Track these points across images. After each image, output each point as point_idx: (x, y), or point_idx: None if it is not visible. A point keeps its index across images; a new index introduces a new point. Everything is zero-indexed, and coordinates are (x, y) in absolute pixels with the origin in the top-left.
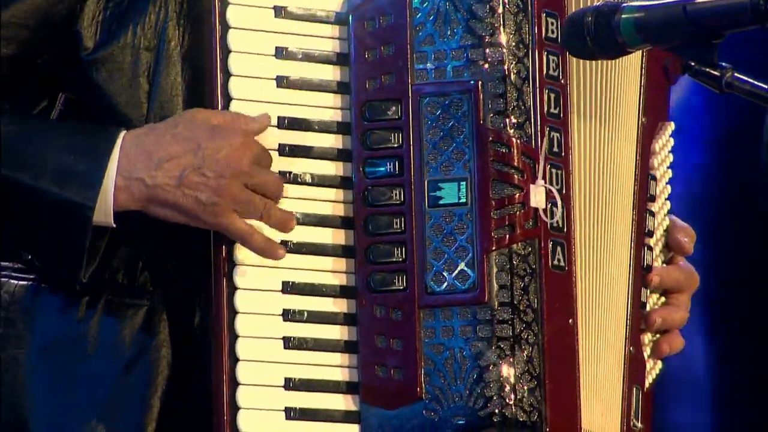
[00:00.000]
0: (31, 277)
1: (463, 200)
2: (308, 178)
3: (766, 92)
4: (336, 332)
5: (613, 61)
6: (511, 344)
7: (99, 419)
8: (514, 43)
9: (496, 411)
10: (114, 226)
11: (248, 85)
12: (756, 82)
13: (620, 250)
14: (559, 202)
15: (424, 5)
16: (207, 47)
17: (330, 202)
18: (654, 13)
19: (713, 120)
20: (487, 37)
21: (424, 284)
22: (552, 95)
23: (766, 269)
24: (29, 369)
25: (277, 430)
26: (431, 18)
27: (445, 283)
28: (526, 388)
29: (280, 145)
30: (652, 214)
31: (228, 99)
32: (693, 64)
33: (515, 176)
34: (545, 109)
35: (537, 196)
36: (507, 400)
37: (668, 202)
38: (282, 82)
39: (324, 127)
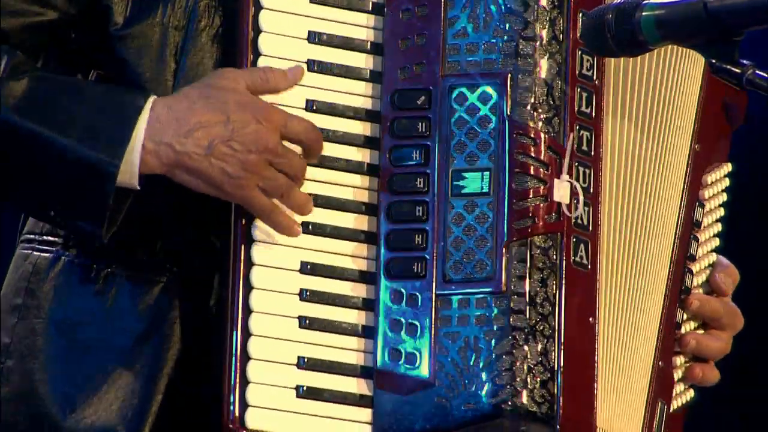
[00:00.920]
0: (53, 249)
1: (486, 190)
2: (333, 163)
3: None
4: (353, 316)
5: (670, 80)
6: (525, 335)
7: (107, 391)
8: (547, 39)
9: (507, 400)
10: (138, 188)
11: (277, 66)
12: None
13: (657, 264)
14: (581, 199)
15: None
16: (239, 26)
17: (354, 187)
18: (675, 10)
19: None
20: (520, 31)
21: (443, 272)
22: (584, 94)
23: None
24: (45, 339)
25: (287, 407)
26: (466, 10)
27: (463, 272)
28: (539, 379)
29: None
30: (697, 240)
31: None
32: (714, 61)
33: (540, 169)
34: (575, 107)
35: (561, 191)
36: (518, 390)
37: (716, 239)
38: (313, 66)
39: (352, 113)
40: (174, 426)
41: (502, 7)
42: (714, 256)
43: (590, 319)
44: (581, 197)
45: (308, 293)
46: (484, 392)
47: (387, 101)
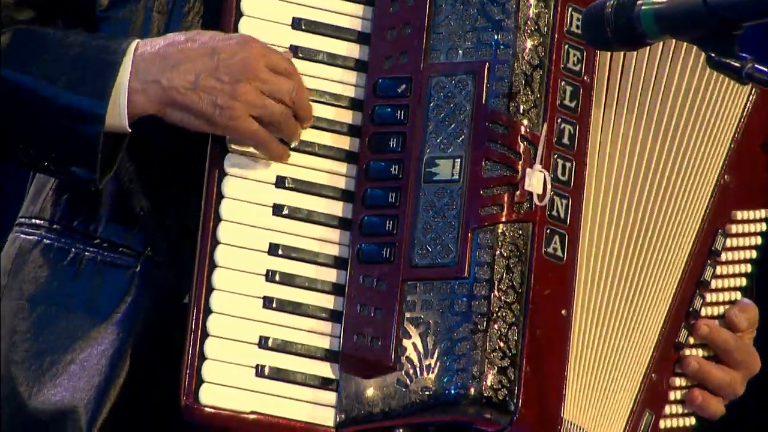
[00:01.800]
0: (38, 233)
1: (456, 177)
2: (312, 148)
3: None
4: (321, 299)
5: (713, 99)
6: (486, 321)
7: (72, 372)
8: (529, 31)
9: (464, 385)
10: (129, 131)
11: None
12: None
13: (663, 278)
14: (548, 188)
15: None
16: (221, 10)
17: (333, 173)
18: (674, 4)
19: None
20: (500, 21)
21: (410, 258)
22: (569, 88)
23: None
24: (19, 320)
25: (244, 385)
26: (452, 1)
27: (429, 258)
28: (497, 366)
29: None
30: (714, 268)
31: None
32: (713, 55)
33: (511, 158)
34: (557, 99)
35: (533, 181)
36: (474, 376)
37: (743, 279)
38: (296, 52)
39: (335, 101)
40: (134, 409)
41: None
42: (737, 294)
43: (563, 311)
44: (548, 187)
45: (274, 274)
46: (443, 378)
47: (369, 90)
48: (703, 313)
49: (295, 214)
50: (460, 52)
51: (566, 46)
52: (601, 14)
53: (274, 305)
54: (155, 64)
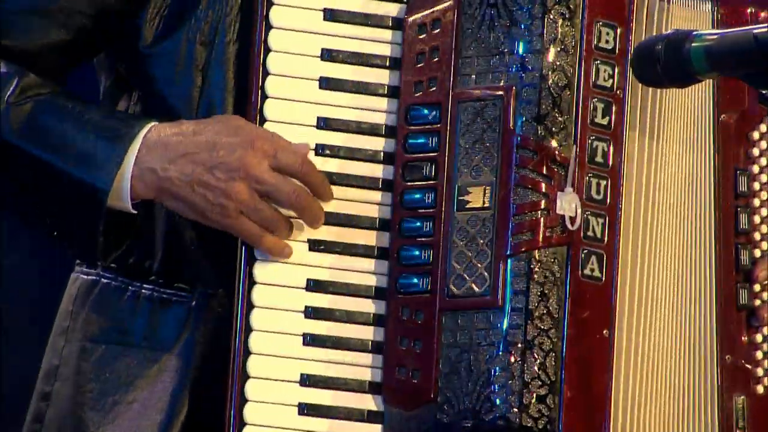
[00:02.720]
0: (95, 272)
1: (488, 205)
2: (343, 179)
3: None
4: (361, 332)
5: None
6: (522, 350)
7: (135, 411)
8: (555, 51)
9: (500, 415)
10: (134, 212)
11: (287, 84)
12: None
13: (697, 259)
14: (578, 212)
15: (474, 12)
16: (250, 46)
17: (368, 203)
18: (724, 41)
19: None
20: (526, 43)
21: (446, 287)
22: (600, 105)
23: None
24: (82, 361)
25: (288, 424)
26: (478, 25)
27: (464, 287)
28: (535, 394)
29: (317, 144)
30: (748, 209)
31: (264, 97)
32: (765, 92)
33: (541, 183)
34: (588, 118)
35: (565, 204)
36: (512, 405)
37: None
38: (325, 83)
39: (367, 130)
40: None
41: (509, 21)
42: None
43: (604, 332)
44: (578, 210)
45: (313, 310)
46: (481, 409)
47: (401, 117)
48: (746, 258)
49: (332, 248)
50: (489, 76)
51: (596, 63)
52: (651, 51)
53: (314, 341)
54: (157, 152)
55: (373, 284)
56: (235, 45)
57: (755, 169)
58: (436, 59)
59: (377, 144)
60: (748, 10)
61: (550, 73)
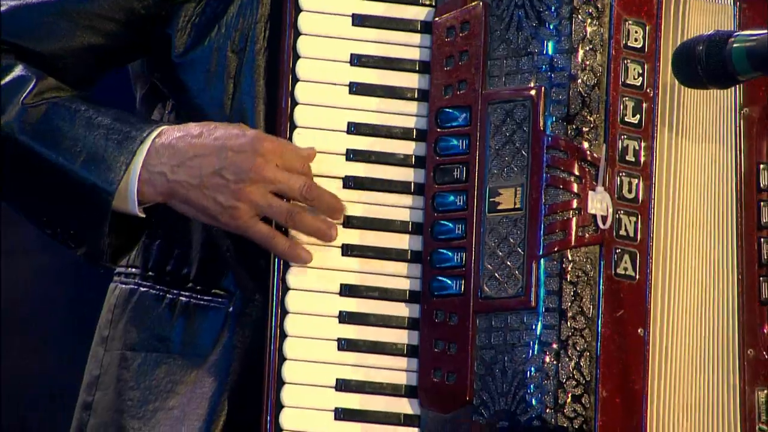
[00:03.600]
0: (133, 281)
1: (519, 206)
2: (374, 183)
3: None
4: (395, 336)
5: None
6: (556, 350)
7: (176, 418)
8: (584, 51)
9: (535, 416)
10: (142, 215)
11: (316, 90)
12: None
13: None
14: (610, 211)
15: (502, 13)
16: (279, 53)
17: (398, 207)
18: (765, 41)
19: None
20: (555, 44)
21: (479, 289)
22: (630, 103)
23: None
24: (122, 370)
25: (323, 429)
26: (506, 27)
27: (497, 288)
28: (570, 394)
29: (347, 149)
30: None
31: (295, 103)
32: None
33: (572, 183)
34: (619, 116)
35: (596, 203)
36: (547, 406)
37: None
38: (354, 88)
39: (397, 134)
40: None
41: (537, 21)
42: None
43: (639, 330)
44: (610, 209)
45: (347, 315)
46: (516, 409)
47: (432, 120)
48: None
49: (365, 253)
50: (518, 77)
51: (625, 61)
52: (692, 52)
53: (348, 346)
54: (165, 155)
55: (407, 288)
56: (265, 52)
57: None
58: (465, 61)
59: (408, 148)
60: None
61: (579, 72)
